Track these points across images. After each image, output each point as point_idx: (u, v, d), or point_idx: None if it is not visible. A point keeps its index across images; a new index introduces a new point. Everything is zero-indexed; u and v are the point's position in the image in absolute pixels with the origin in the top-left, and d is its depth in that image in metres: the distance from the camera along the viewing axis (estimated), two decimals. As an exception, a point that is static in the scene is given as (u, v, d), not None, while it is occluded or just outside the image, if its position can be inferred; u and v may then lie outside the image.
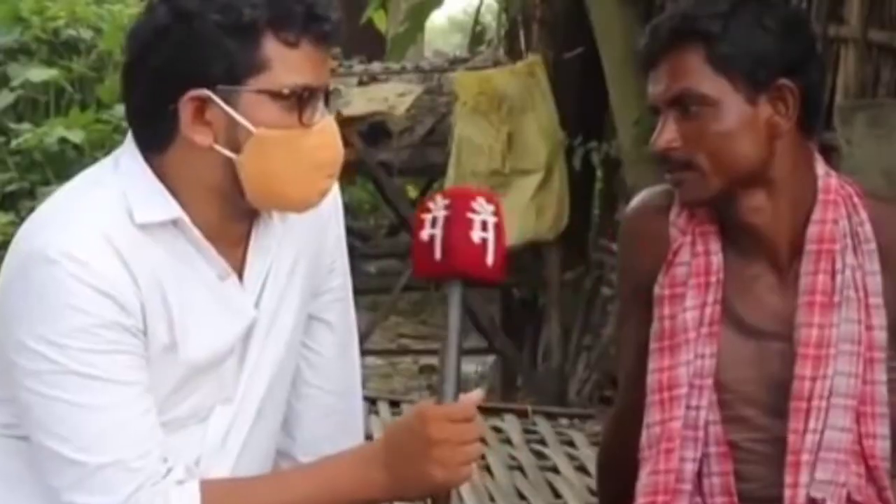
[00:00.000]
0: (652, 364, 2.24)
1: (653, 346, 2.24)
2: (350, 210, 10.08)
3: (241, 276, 2.07)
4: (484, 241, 2.03)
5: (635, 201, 2.37)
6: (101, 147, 8.26)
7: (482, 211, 2.04)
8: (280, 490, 2.00)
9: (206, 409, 2.05)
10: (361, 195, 11.04)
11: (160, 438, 1.97)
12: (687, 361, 2.21)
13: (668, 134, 2.17)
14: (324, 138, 2.02)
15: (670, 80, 2.18)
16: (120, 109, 8.20)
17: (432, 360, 10.42)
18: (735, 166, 2.17)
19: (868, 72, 4.99)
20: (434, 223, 2.04)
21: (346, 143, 2.12)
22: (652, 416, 2.22)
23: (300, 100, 1.98)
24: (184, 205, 2.00)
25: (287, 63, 1.97)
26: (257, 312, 2.07)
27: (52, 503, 1.98)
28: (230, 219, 2.04)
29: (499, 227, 2.04)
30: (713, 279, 2.23)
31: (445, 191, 2.11)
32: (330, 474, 2.01)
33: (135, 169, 2.01)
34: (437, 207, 2.05)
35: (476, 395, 2.05)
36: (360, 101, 7.62)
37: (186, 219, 2.00)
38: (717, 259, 2.24)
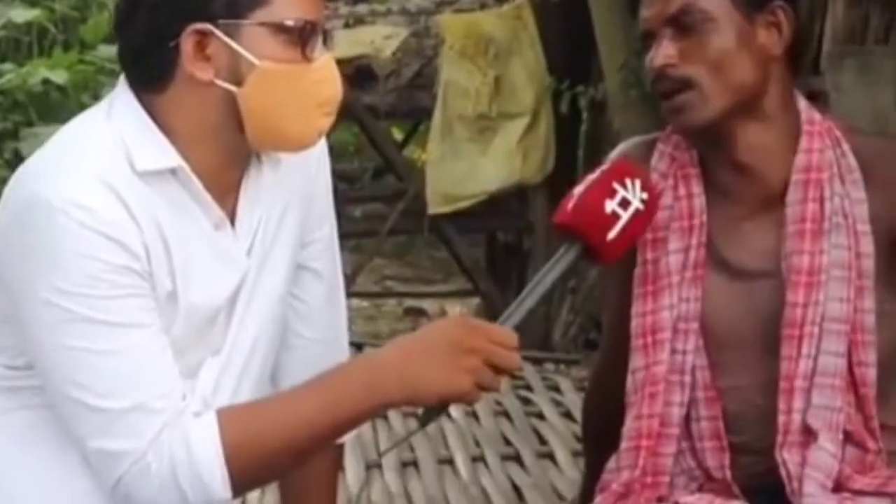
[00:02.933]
0: (635, 309, 2.24)
1: (636, 290, 2.24)
2: (334, 152, 10.03)
3: (232, 224, 2.06)
4: (615, 215, 2.03)
5: (616, 152, 2.36)
6: (84, 88, 8.22)
7: (630, 190, 2.05)
8: (294, 407, 1.98)
9: (198, 364, 2.05)
10: (345, 137, 11.02)
11: (178, 376, 1.98)
12: (671, 305, 2.21)
13: (666, 50, 2.16)
14: (325, 73, 2.02)
15: None
16: (104, 50, 8.16)
17: (417, 303, 10.45)
18: (734, 85, 2.16)
19: (857, 17, 4.98)
20: (589, 181, 2.07)
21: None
22: (636, 361, 2.23)
23: (302, 34, 1.98)
24: (182, 151, 1.99)
25: None
26: (249, 261, 2.07)
27: (66, 458, 1.99)
28: (227, 164, 2.04)
29: (639, 217, 2.05)
30: (696, 222, 2.23)
31: (617, 158, 2.14)
32: (340, 382, 1.98)
33: (130, 113, 2.00)
34: (600, 168, 2.10)
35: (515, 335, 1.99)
36: (346, 44, 7.60)
37: (186, 167, 1.99)
38: (699, 201, 2.23)
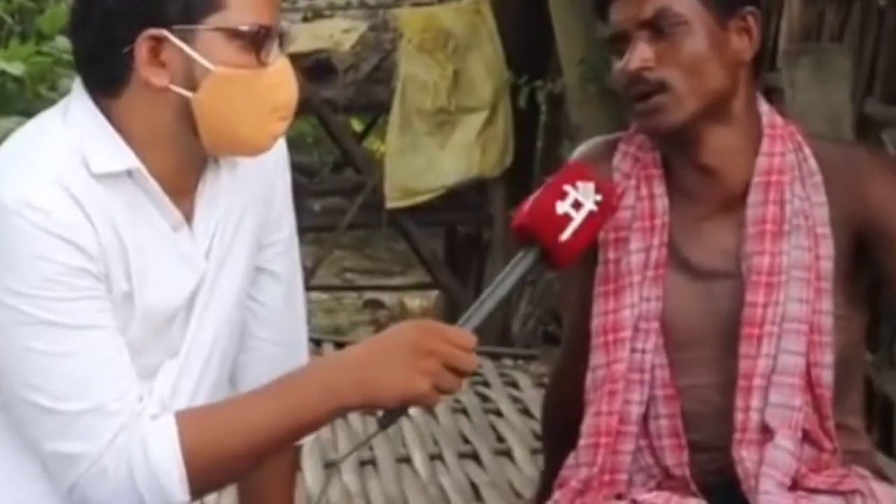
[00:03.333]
0: (597, 308, 2.25)
1: (598, 289, 2.26)
2: (292, 144, 10.01)
3: (190, 226, 2.06)
4: (567, 217, 2.05)
5: (578, 152, 2.38)
6: (41, 80, 8.16)
7: (582, 192, 2.07)
8: (252, 410, 1.97)
9: (155, 366, 2.05)
10: (304, 128, 11.00)
11: (135, 378, 1.97)
12: (631, 304, 2.23)
13: (642, 53, 2.17)
14: (280, 78, 2.02)
15: (644, 1, 2.18)
16: (61, 41, 8.10)
17: (377, 295, 10.45)
18: (707, 89, 2.18)
19: (812, 14, 5.02)
20: (544, 186, 2.10)
21: (291, 80, 2.13)
22: (596, 359, 2.24)
23: (256, 39, 1.98)
24: (138, 153, 1.99)
25: (242, 2, 1.97)
26: (207, 264, 2.07)
27: (22, 461, 1.99)
28: (183, 167, 2.03)
29: (592, 220, 2.07)
30: (658, 222, 2.24)
31: (575, 160, 2.16)
32: (299, 386, 1.98)
33: (87, 116, 2.00)
34: (559, 172, 2.12)
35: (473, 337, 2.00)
36: (305, 38, 7.58)
37: (143, 169, 1.99)
38: (661, 202, 2.25)
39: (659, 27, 2.17)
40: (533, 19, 7.07)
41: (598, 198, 2.08)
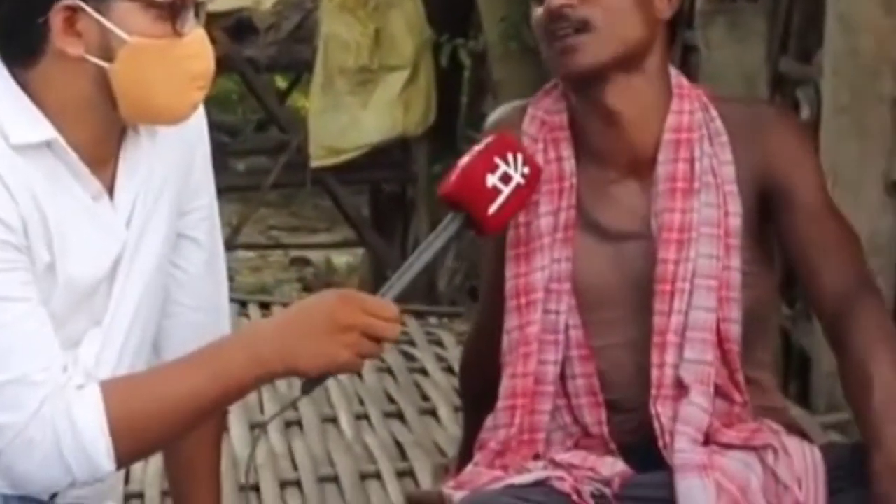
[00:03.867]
0: (508, 271, 2.28)
1: (509, 252, 2.28)
2: (217, 102, 9.97)
3: (111, 195, 2.07)
4: (496, 189, 2.09)
5: (491, 118, 2.40)
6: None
7: (512, 165, 2.11)
8: (177, 379, 1.99)
9: (79, 336, 2.06)
10: (228, 86, 10.93)
11: (59, 349, 1.98)
12: (542, 266, 2.25)
13: None
14: (196, 48, 2.03)
15: None
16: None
17: (303, 253, 10.43)
18: (626, 36, 2.21)
19: (728, -27, 5.05)
20: (473, 153, 2.12)
21: (212, 39, 2.13)
22: (510, 321, 2.27)
23: (172, 9, 1.99)
24: (56, 124, 1.99)
25: None
26: (128, 233, 2.08)
27: None
28: (102, 137, 2.04)
29: (519, 192, 2.11)
30: (566, 184, 2.27)
31: (499, 133, 2.18)
32: (223, 355, 2.00)
33: (3, 87, 2.00)
34: (482, 142, 2.14)
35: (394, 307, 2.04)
36: (226, -4, 7.53)
37: (61, 140, 1.99)
38: (569, 164, 2.27)
39: None
40: (453, -23, 7.08)
41: (526, 170, 2.12)
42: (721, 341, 2.22)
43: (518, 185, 2.11)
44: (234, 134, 8.92)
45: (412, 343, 5.66)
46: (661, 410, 2.19)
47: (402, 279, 2.06)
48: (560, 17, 2.20)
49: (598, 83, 2.23)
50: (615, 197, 2.27)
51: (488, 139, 2.16)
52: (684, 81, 2.31)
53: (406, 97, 7.42)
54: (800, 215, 2.23)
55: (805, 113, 4.47)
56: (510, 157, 2.12)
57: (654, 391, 2.20)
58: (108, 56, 1.98)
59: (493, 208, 2.09)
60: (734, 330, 2.23)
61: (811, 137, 2.36)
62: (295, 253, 10.42)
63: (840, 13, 4.22)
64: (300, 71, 8.87)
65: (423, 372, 5.29)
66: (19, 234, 1.96)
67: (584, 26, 2.20)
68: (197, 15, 2.04)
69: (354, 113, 7.45)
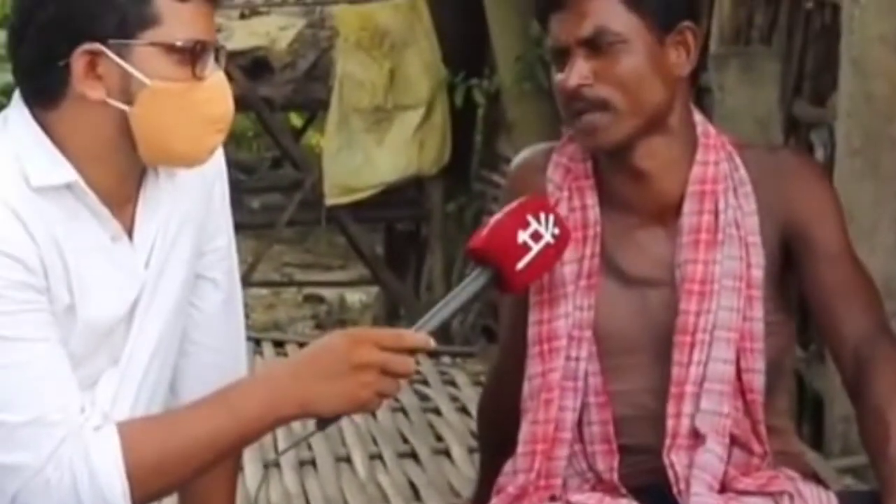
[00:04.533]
0: (532, 317, 2.29)
1: (533, 299, 2.29)
2: (232, 140, 10.01)
3: (130, 236, 2.08)
4: (526, 246, 2.11)
5: (516, 161, 2.41)
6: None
7: (543, 224, 2.13)
8: (194, 422, 2.00)
9: (96, 376, 2.07)
10: (244, 124, 10.96)
11: (77, 389, 1.99)
12: (566, 314, 2.26)
13: (581, 71, 2.20)
14: (215, 92, 2.04)
15: (583, 18, 2.20)
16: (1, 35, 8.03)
17: (316, 291, 10.42)
18: (647, 105, 2.21)
19: (742, 17, 5.07)
20: (505, 211, 2.15)
21: (229, 78, 2.15)
22: (532, 368, 2.27)
23: (193, 53, 2.00)
24: (76, 166, 2.01)
25: (179, 17, 1.99)
26: (147, 274, 2.09)
27: None
28: (122, 179, 2.06)
29: (548, 252, 2.13)
30: (590, 233, 2.27)
31: (532, 195, 2.20)
32: (240, 400, 2.01)
33: (25, 129, 2.01)
34: (518, 200, 2.17)
35: (423, 337, 2.03)
36: (242, 35, 7.59)
37: (81, 182, 2.01)
38: (593, 213, 2.28)
39: (597, 45, 2.19)
40: (468, 17, 7.10)
41: (557, 231, 2.13)
42: (744, 392, 2.22)
43: (547, 245, 2.12)
44: (249, 171, 8.93)
45: (426, 383, 5.68)
46: (675, 459, 2.19)
47: (425, 323, 2.05)
48: (577, 96, 2.21)
49: (621, 150, 2.24)
50: (639, 243, 2.28)
51: (522, 199, 2.17)
52: (711, 130, 2.31)
53: (421, 136, 7.44)
54: (822, 264, 2.24)
55: (819, 155, 4.48)
56: (542, 216, 2.13)
57: (668, 441, 2.20)
58: (129, 99, 2.00)
59: (521, 264, 2.10)
60: (758, 381, 2.23)
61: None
62: (308, 290, 10.42)
63: (854, 58, 4.23)
64: (315, 109, 8.88)
65: (437, 412, 5.30)
66: (39, 276, 1.97)
67: (601, 105, 2.20)
68: (217, 59, 2.05)
69: (369, 152, 7.48)
